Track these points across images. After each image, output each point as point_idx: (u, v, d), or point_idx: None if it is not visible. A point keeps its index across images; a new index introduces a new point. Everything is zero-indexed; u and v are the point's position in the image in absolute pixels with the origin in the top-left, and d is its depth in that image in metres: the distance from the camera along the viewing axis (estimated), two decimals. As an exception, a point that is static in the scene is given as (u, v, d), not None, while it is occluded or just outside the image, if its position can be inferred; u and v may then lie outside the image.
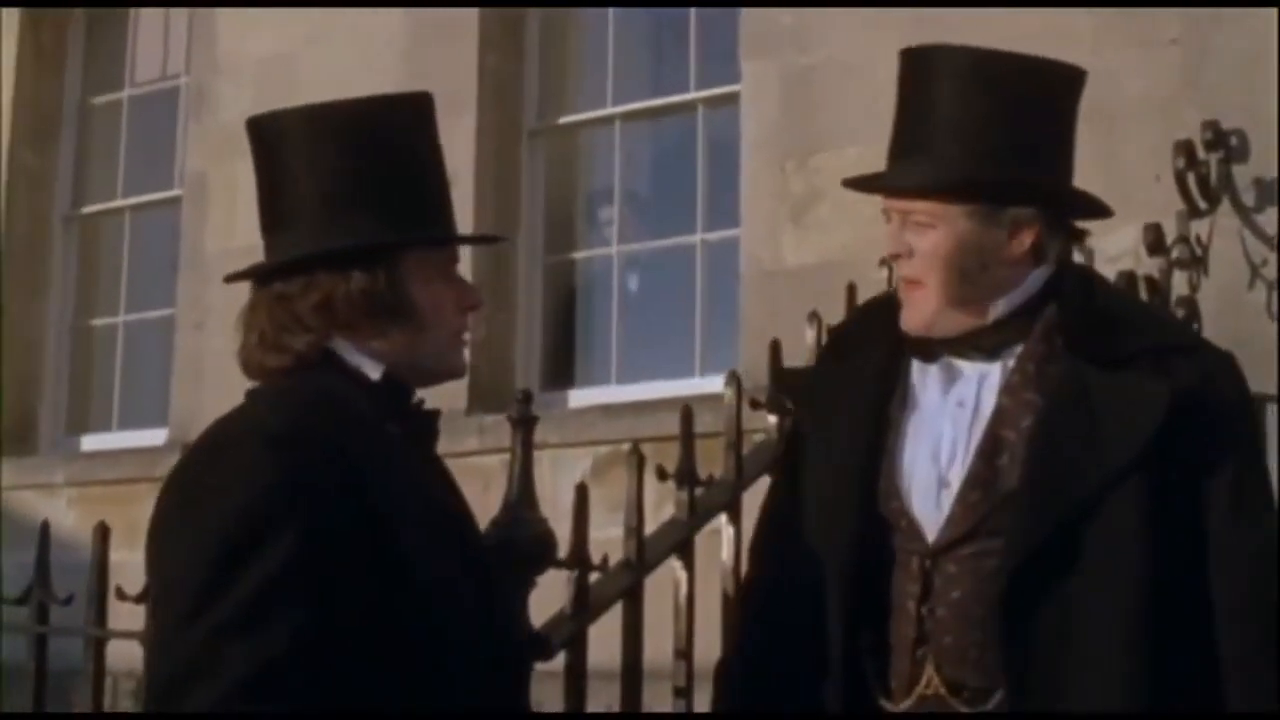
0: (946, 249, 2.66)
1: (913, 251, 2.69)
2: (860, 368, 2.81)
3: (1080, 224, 2.81)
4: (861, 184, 2.82)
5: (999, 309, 2.69)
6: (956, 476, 2.65)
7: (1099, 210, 2.79)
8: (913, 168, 2.70)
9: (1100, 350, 2.64)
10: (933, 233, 2.67)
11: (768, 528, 2.89)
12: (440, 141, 2.57)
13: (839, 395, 2.80)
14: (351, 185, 2.46)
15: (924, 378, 2.73)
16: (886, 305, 2.84)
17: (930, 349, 2.72)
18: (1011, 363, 2.68)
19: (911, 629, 2.64)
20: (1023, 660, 2.56)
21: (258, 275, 2.50)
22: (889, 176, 2.75)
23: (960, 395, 2.70)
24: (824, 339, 4.06)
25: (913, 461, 2.69)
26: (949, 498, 2.65)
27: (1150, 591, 2.53)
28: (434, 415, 2.56)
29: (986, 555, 2.61)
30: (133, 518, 3.27)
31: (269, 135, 2.53)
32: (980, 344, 2.69)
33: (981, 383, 2.69)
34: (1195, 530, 2.57)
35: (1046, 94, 2.74)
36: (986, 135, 2.66)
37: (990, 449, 2.64)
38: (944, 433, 2.68)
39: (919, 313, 2.70)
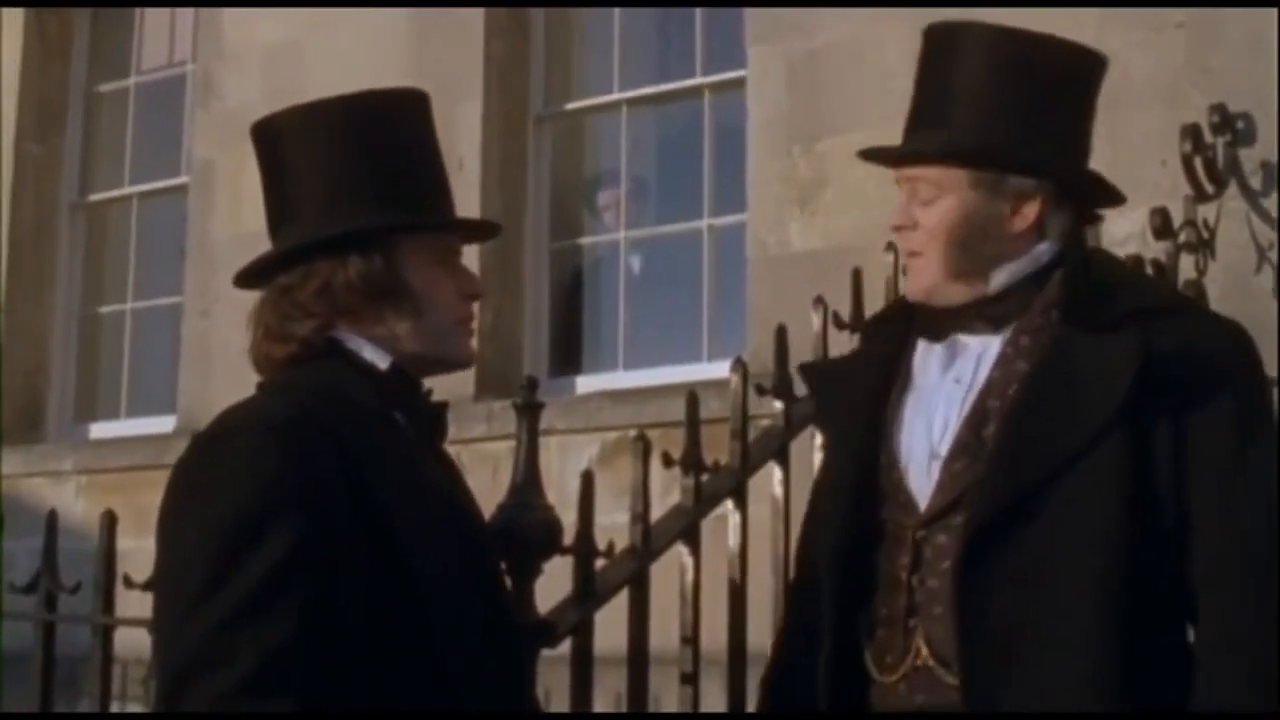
0: (950, 221, 2.68)
1: (917, 224, 2.72)
2: (869, 356, 2.87)
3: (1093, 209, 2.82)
4: (874, 154, 2.85)
5: (999, 279, 2.70)
6: (945, 447, 2.67)
7: (1111, 196, 2.79)
8: (924, 138, 2.73)
9: (1088, 317, 2.64)
10: (937, 206, 2.69)
11: (805, 525, 2.92)
12: (437, 134, 2.58)
13: (845, 384, 2.86)
14: (349, 177, 2.49)
15: (926, 359, 2.76)
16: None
17: (940, 325, 2.74)
18: (1009, 334, 2.70)
19: (903, 600, 2.65)
20: (976, 628, 2.54)
21: (260, 268, 2.53)
22: (901, 146, 2.77)
23: (958, 372, 2.72)
24: (830, 324, 4.08)
25: (910, 438, 2.72)
26: (938, 468, 2.67)
27: (1122, 559, 2.51)
28: (442, 407, 2.58)
29: None
30: (141, 505, 3.27)
31: (268, 136, 2.57)
32: (985, 314, 2.71)
33: (980, 358, 2.71)
34: (1176, 493, 2.54)
35: (1065, 76, 2.74)
36: (1000, 109, 2.68)
37: (978, 419, 2.66)
38: (938, 408, 2.71)
39: (920, 278, 2.74)
